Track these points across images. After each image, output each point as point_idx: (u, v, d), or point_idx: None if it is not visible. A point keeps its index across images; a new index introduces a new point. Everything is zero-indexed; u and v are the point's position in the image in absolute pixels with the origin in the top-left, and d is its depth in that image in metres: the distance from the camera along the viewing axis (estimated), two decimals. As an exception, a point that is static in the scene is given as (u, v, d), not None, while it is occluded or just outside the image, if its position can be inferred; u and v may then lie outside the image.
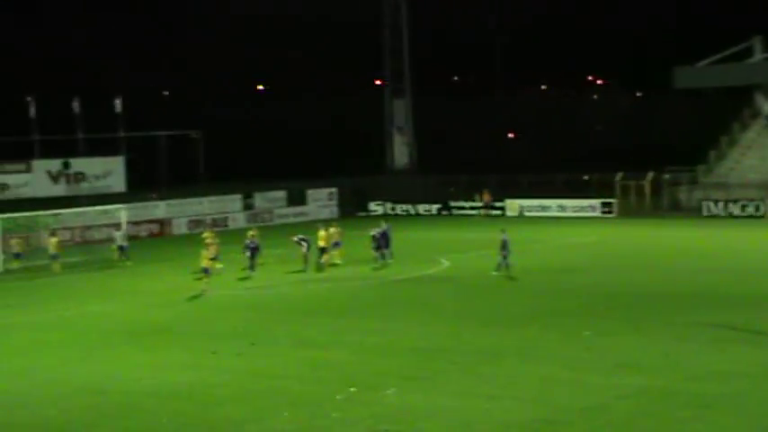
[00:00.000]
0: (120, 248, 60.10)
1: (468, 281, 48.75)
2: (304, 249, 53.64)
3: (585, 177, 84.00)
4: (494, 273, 48.81)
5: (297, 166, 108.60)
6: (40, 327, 41.01)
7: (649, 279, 47.59)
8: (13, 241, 61.03)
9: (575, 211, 79.45)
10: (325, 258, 53.39)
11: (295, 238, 54.67)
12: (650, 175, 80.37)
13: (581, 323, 36.49)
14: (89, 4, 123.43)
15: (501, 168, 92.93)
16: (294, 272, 52.80)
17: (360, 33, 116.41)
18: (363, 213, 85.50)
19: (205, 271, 47.37)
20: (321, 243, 53.40)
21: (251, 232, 55.40)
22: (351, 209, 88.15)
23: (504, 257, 48.65)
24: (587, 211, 79.11)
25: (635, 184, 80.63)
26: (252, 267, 51.66)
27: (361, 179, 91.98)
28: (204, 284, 47.03)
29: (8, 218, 64.22)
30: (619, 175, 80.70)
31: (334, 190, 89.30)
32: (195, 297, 46.48)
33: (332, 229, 54.85)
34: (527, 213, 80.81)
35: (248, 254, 52.17)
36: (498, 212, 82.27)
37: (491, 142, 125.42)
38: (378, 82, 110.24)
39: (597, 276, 48.77)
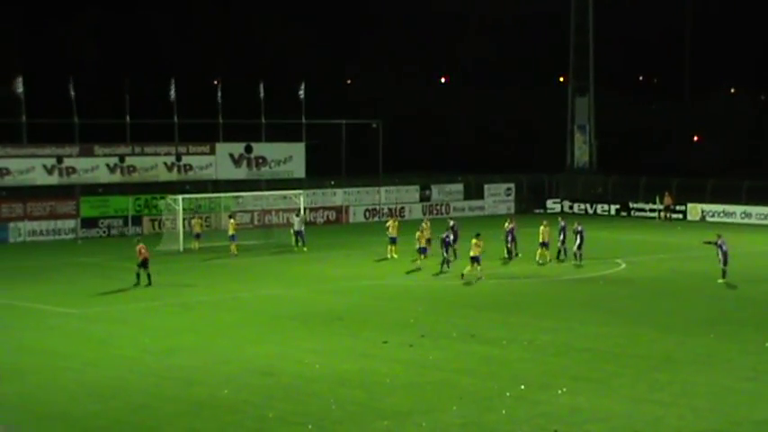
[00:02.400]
0: (297, 234, 60.77)
1: (645, 284, 47.71)
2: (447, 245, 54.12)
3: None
4: (719, 281, 47.27)
5: (475, 159, 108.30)
6: (216, 306, 41.80)
7: (837, 292, 45.78)
8: (194, 221, 62.34)
9: (760, 219, 76.95)
10: (540, 253, 54.06)
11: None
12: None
13: (762, 334, 35.27)
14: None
15: (684, 172, 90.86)
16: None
17: (546, 29, 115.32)
18: (540, 210, 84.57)
19: (474, 260, 47.95)
20: (541, 238, 53.81)
21: (424, 224, 55.96)
22: (528, 205, 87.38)
23: (724, 263, 47.17)
24: (773, 220, 76.56)
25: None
26: (447, 262, 50.80)
27: (539, 176, 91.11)
28: (475, 272, 47.90)
29: (191, 198, 65.80)
30: (809, 184, 77.76)
31: (512, 185, 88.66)
32: (372, 285, 46.87)
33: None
34: (709, 219, 78.73)
35: (444, 248, 50.93)
36: (679, 216, 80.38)
37: (674, 145, 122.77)
38: (561, 79, 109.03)
39: (781, 287, 47.12)
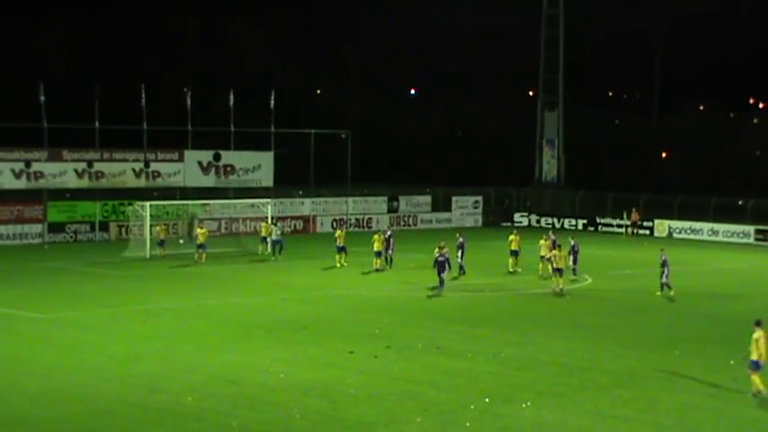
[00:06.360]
0: (276, 243, 60.51)
1: (610, 299, 47.90)
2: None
3: (740, 203, 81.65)
4: (657, 294, 47.85)
5: (443, 172, 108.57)
6: (181, 314, 41.68)
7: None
8: (158, 228, 62.17)
9: (726, 237, 77.43)
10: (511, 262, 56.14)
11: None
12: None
13: (726, 352, 35.33)
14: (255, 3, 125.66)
15: (651, 188, 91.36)
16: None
17: (517, 43, 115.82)
18: (507, 224, 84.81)
19: (558, 271, 48.77)
20: (542, 252, 53.75)
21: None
22: (495, 218, 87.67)
23: (665, 277, 47.71)
24: (740, 238, 76.93)
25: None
26: (441, 283, 48.77)
27: (507, 189, 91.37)
28: (562, 282, 48.64)
29: (158, 205, 65.61)
30: (777, 203, 78.29)
31: (479, 198, 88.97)
32: (339, 295, 46.85)
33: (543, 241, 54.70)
34: (676, 235, 79.19)
35: (437, 269, 48.92)
36: (646, 232, 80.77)
37: (643, 161, 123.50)
38: (531, 93, 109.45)
39: (746, 304, 46.83)
